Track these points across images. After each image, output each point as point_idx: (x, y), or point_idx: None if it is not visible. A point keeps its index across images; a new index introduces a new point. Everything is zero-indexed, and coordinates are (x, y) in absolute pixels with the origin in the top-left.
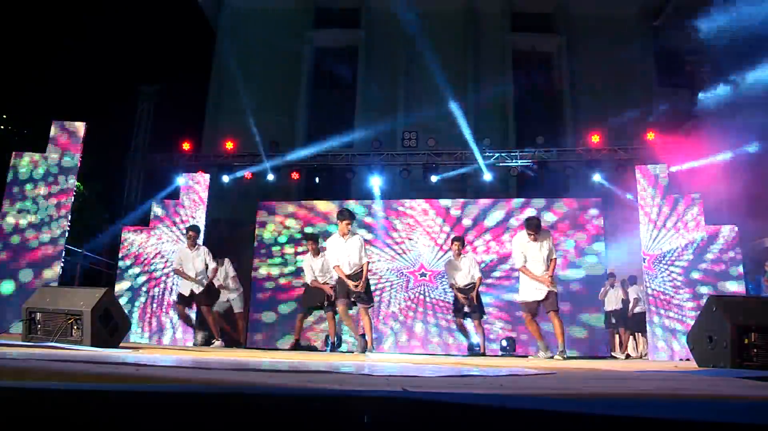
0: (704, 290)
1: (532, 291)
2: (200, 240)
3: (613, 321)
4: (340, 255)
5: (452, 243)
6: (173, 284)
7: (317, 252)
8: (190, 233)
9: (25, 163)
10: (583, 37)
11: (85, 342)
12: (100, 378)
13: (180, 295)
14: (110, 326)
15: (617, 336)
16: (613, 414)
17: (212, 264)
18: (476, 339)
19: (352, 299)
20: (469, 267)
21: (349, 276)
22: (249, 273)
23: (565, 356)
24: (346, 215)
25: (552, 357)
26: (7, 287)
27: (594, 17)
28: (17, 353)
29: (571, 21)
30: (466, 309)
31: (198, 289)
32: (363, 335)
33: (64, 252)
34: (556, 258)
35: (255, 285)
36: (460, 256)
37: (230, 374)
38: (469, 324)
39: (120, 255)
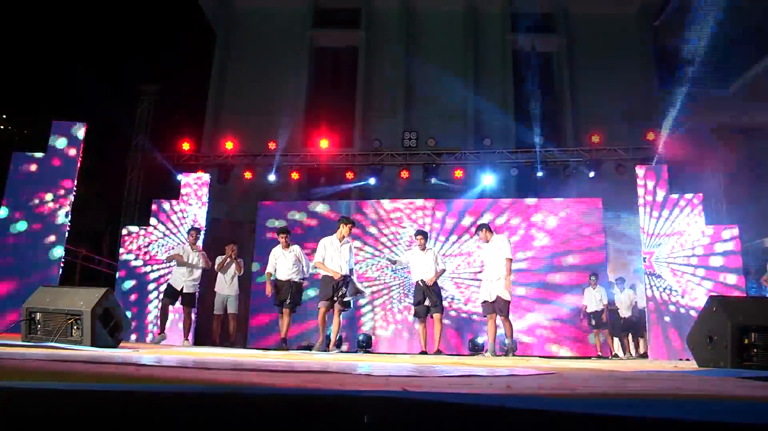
0: (704, 290)
1: (483, 292)
2: (200, 242)
3: (593, 322)
4: (335, 257)
5: (416, 237)
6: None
7: (287, 245)
8: (192, 232)
9: (25, 162)
10: (583, 37)
11: (85, 342)
12: (100, 378)
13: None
14: (110, 326)
15: (612, 338)
16: (613, 414)
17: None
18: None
19: (335, 300)
20: (433, 261)
21: (343, 278)
22: (249, 274)
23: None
24: (351, 220)
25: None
26: (8, 286)
27: (594, 17)
28: (17, 353)
29: (571, 21)
30: (427, 302)
31: (190, 289)
32: (328, 335)
33: (64, 252)
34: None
35: (255, 286)
36: (425, 250)
37: (230, 374)
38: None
39: (120, 255)
